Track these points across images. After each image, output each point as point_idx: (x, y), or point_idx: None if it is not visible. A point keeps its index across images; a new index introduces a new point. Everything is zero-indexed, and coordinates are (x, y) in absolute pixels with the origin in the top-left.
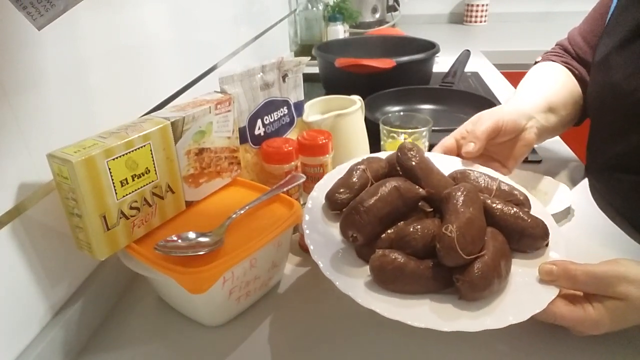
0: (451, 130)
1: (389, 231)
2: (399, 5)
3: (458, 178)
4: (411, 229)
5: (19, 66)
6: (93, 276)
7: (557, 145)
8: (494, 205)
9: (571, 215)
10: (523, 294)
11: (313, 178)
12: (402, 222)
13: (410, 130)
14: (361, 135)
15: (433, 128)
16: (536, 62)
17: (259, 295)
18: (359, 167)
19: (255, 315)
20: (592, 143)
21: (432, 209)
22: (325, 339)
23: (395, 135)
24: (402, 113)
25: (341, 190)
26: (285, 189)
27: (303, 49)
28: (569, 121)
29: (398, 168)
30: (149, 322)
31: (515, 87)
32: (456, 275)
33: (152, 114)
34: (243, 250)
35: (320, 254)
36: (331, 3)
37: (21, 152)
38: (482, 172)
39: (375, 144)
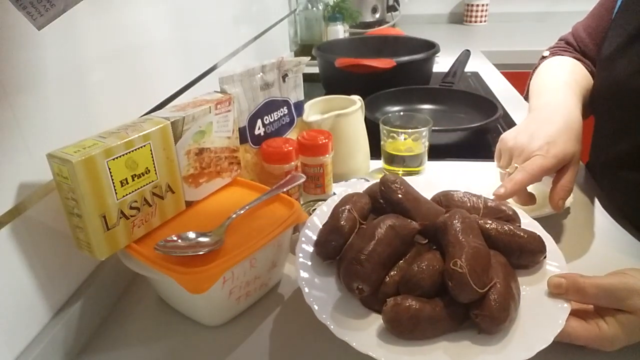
0: (451, 131)
1: (391, 273)
2: (399, 5)
3: (442, 201)
4: (416, 269)
5: (19, 66)
6: (93, 276)
7: None
8: (488, 225)
9: (571, 215)
10: (537, 315)
11: (313, 178)
12: (401, 261)
13: (410, 130)
14: (361, 135)
15: (433, 128)
16: (543, 57)
17: (259, 295)
18: (344, 207)
19: (255, 315)
20: (596, 140)
21: (426, 241)
22: (325, 339)
23: (395, 135)
24: (402, 113)
25: (331, 236)
26: (285, 189)
27: (303, 49)
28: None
29: (382, 201)
30: (149, 322)
31: (515, 87)
32: (474, 312)
33: (152, 114)
34: (243, 250)
35: (328, 314)
36: (331, 3)
37: (21, 152)
38: (465, 192)
39: (375, 144)
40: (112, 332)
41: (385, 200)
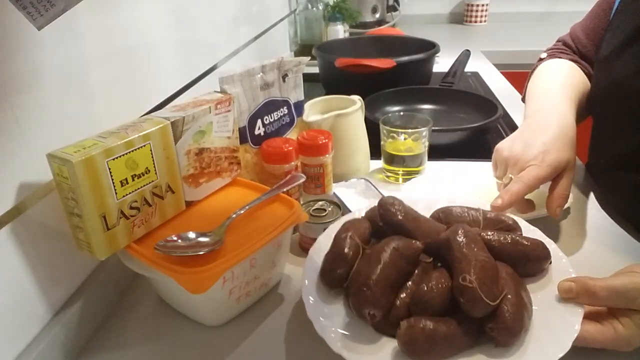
0: (451, 131)
1: (401, 296)
2: (399, 5)
3: (441, 218)
4: (426, 289)
5: (19, 66)
6: (93, 276)
7: None
8: (490, 237)
9: (571, 215)
10: (551, 322)
11: (313, 178)
12: (409, 282)
13: (410, 130)
14: (361, 135)
15: (433, 128)
16: (540, 59)
17: (259, 295)
18: (346, 234)
19: (255, 315)
20: (595, 141)
21: (431, 259)
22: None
23: (395, 135)
24: (402, 113)
25: (336, 264)
26: (285, 189)
27: (303, 49)
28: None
29: (381, 224)
30: (149, 322)
31: (515, 87)
32: (489, 325)
33: (152, 114)
34: (243, 250)
35: (341, 343)
36: (331, 3)
37: (21, 152)
38: (463, 206)
39: (375, 144)
40: (112, 332)
41: (385, 222)
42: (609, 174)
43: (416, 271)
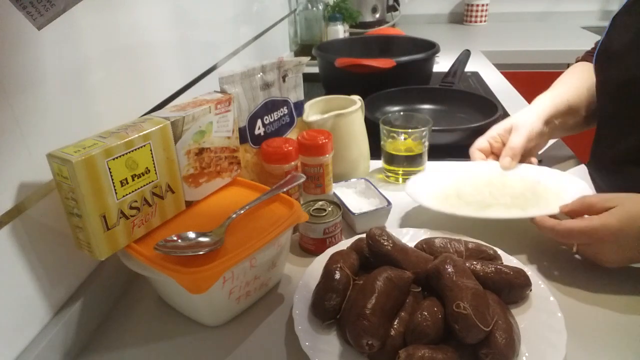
0: (451, 131)
1: (395, 325)
2: (399, 5)
3: (425, 249)
4: (420, 318)
5: (19, 66)
6: (93, 276)
7: (556, 144)
8: (474, 267)
9: None
10: (538, 346)
11: (313, 178)
12: (402, 312)
13: (410, 130)
14: (361, 135)
15: (433, 128)
16: (577, 60)
17: (259, 295)
18: (335, 266)
19: (255, 315)
20: (602, 136)
21: (419, 288)
22: None
23: (395, 135)
24: (402, 113)
25: (328, 296)
26: (285, 189)
27: (303, 49)
28: (590, 122)
29: (369, 255)
30: (149, 322)
31: (515, 87)
32: (483, 351)
33: (152, 114)
34: (243, 250)
35: None
36: (331, 3)
37: (21, 152)
38: (445, 237)
39: (375, 144)
40: (112, 332)
41: (373, 253)
42: (617, 168)
43: (407, 300)
